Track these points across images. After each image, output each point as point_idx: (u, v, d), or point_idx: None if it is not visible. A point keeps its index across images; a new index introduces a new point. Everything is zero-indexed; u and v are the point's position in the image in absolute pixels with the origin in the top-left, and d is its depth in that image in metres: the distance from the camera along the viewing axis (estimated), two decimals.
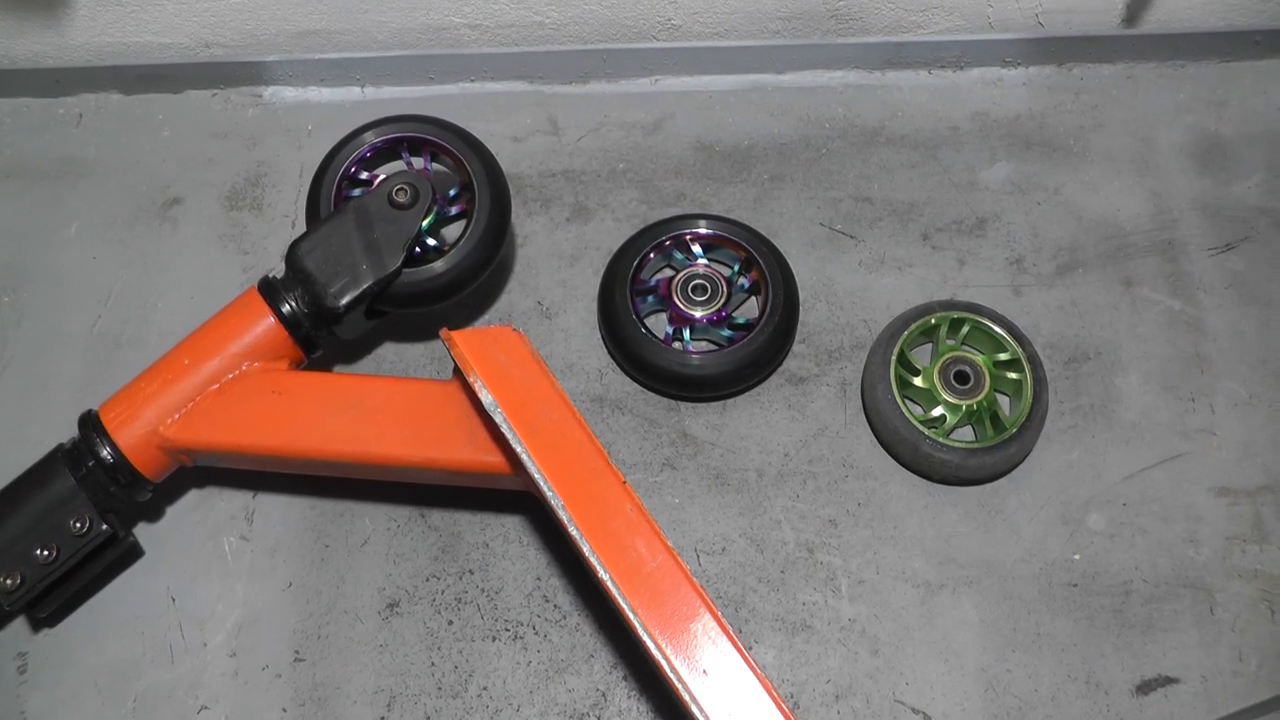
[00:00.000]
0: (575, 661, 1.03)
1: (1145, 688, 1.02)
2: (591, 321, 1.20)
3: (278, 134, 1.33)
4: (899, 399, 1.09)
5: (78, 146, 1.33)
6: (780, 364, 1.17)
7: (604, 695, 1.02)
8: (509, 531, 1.09)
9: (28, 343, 1.20)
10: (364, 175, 1.13)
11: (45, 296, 1.22)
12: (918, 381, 1.12)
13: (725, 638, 0.82)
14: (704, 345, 1.16)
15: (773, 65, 1.37)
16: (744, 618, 1.05)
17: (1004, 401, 1.14)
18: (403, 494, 1.10)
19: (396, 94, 1.37)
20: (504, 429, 0.87)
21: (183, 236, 1.26)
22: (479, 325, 1.20)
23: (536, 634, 1.04)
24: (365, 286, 1.02)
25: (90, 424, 0.99)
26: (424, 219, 1.05)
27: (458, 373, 0.94)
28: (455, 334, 0.92)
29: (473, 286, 1.09)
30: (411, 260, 1.05)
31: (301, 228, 1.16)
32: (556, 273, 1.23)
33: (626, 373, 1.17)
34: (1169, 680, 1.02)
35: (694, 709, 0.79)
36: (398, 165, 1.14)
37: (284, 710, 1.01)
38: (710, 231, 1.18)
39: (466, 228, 1.07)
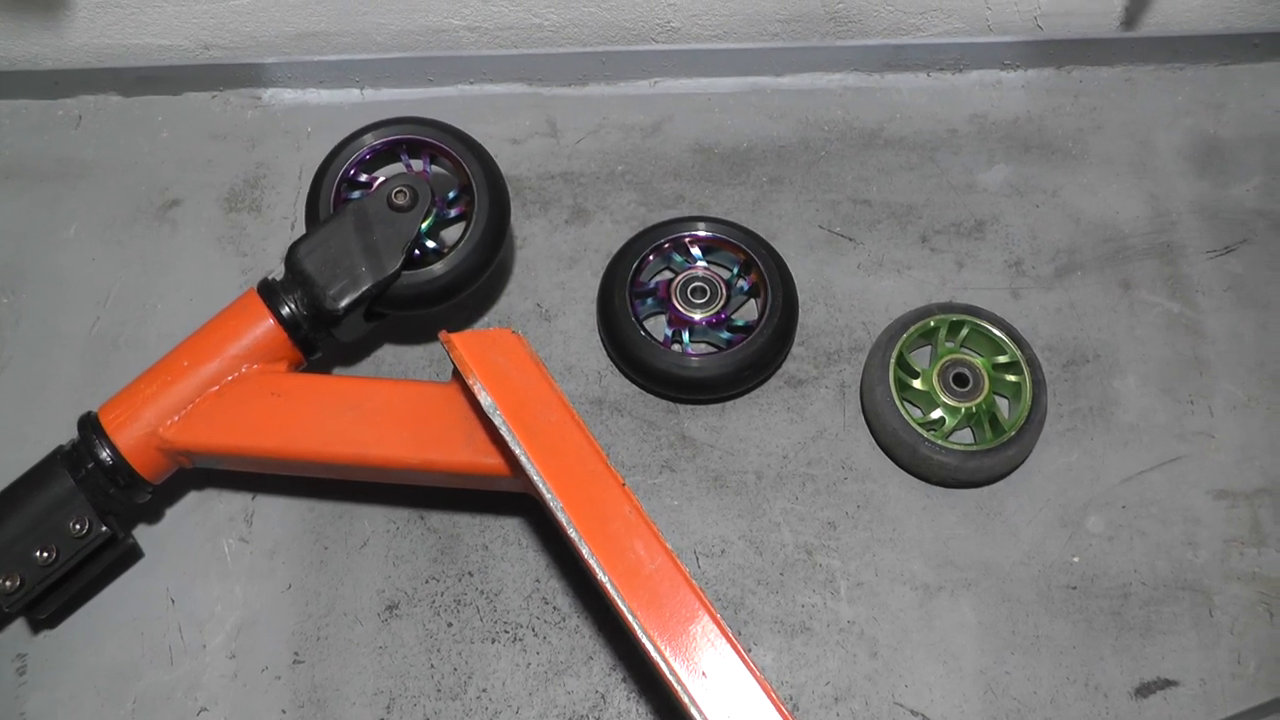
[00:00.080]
0: (574, 663, 1.03)
1: (1144, 690, 1.02)
2: (590, 324, 1.20)
3: (277, 136, 1.33)
4: (898, 401, 1.09)
5: (77, 148, 1.33)
6: (779, 366, 1.17)
7: (603, 697, 1.02)
8: (508, 533, 1.09)
9: (26, 344, 1.20)
10: (363, 177, 1.13)
11: (44, 297, 1.22)
12: (917, 384, 1.12)
13: (724, 640, 0.82)
14: (703, 347, 1.17)
15: (772, 68, 1.37)
16: (743, 620, 1.05)
17: (1003, 404, 1.14)
18: (402, 496, 1.10)
19: (395, 96, 1.37)
20: (503, 431, 0.87)
21: (182, 238, 1.26)
22: (478, 327, 1.20)
23: (536, 636, 1.04)
24: (364, 289, 1.02)
25: (89, 426, 0.99)
26: (423, 221, 1.05)
27: (457, 375, 0.94)
28: (454, 336, 0.92)
29: (472, 289, 1.09)
30: (410, 262, 1.05)
31: (301, 230, 1.17)
32: (555, 275, 1.23)
33: (625, 375, 1.17)
34: (1168, 683, 1.02)
35: (693, 711, 0.79)
36: (397, 167, 1.14)
37: (283, 712, 1.01)
38: (709, 234, 1.18)
39: (465, 230, 1.07)
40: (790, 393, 1.16)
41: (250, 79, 1.36)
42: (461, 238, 1.07)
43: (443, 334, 0.93)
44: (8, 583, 0.95)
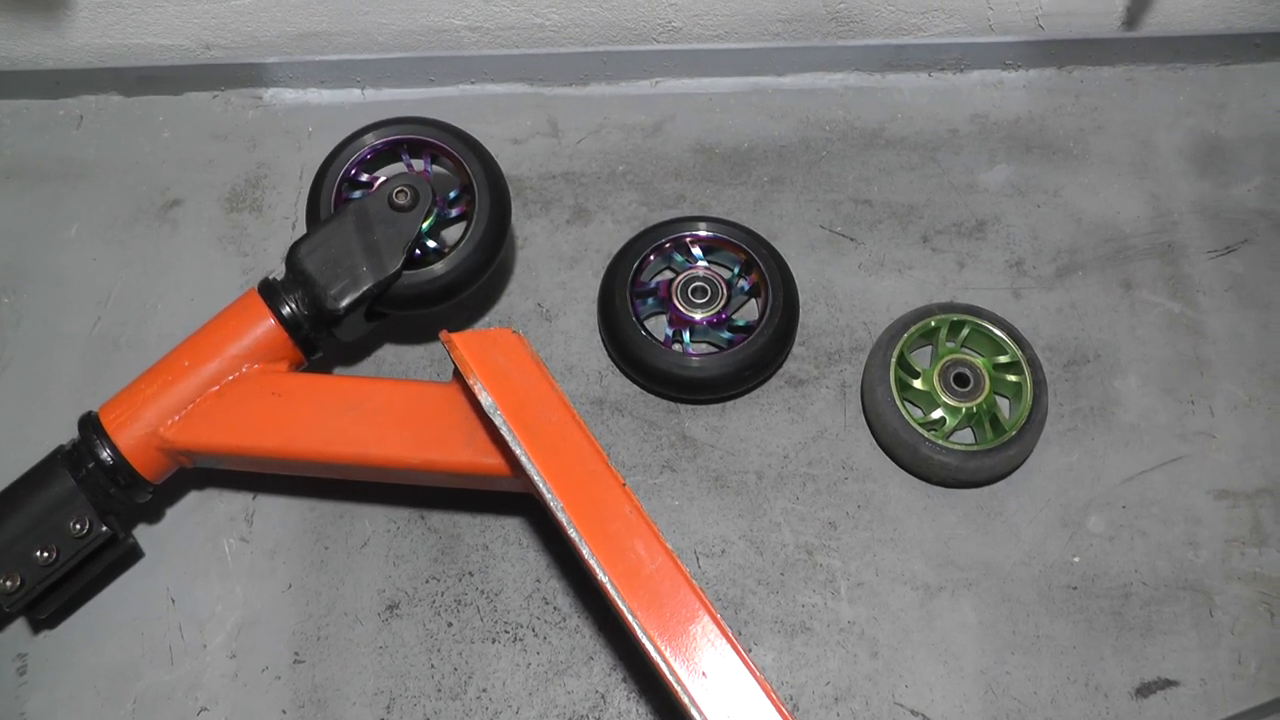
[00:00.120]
0: (575, 663, 1.03)
1: (1144, 690, 1.02)
2: (591, 324, 1.20)
3: (278, 136, 1.34)
4: (899, 401, 1.09)
5: (78, 148, 1.33)
6: (780, 366, 1.17)
7: (603, 697, 1.02)
8: (509, 533, 1.09)
9: (27, 343, 1.20)
10: (364, 177, 1.13)
11: (45, 297, 1.22)
12: (917, 384, 1.12)
13: (724, 640, 0.82)
14: (704, 347, 1.17)
15: (773, 67, 1.37)
16: (743, 620, 1.05)
17: (1003, 404, 1.14)
18: (402, 496, 1.10)
19: (397, 96, 1.37)
20: (503, 431, 0.87)
21: (183, 238, 1.26)
22: (479, 327, 1.20)
23: (536, 636, 1.04)
24: (365, 288, 1.02)
25: (90, 425, 0.99)
26: (424, 221, 1.06)
27: (457, 375, 0.94)
28: (455, 336, 0.92)
29: (473, 288, 1.09)
30: (411, 262, 1.05)
31: (302, 229, 1.17)
32: (556, 275, 1.23)
33: (626, 375, 1.17)
34: (1168, 683, 1.02)
35: (693, 711, 0.79)
36: (398, 167, 1.14)
37: (283, 712, 1.01)
38: (710, 234, 1.18)
39: (466, 230, 1.07)
40: (791, 393, 1.16)
41: (251, 79, 1.36)
42: (462, 237, 1.07)
43: (443, 334, 0.93)
44: (8, 582, 0.95)
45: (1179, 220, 1.27)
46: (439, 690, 1.02)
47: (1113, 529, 1.09)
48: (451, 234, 1.11)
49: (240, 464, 1.04)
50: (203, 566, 1.08)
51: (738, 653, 0.81)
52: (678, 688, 0.80)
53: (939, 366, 1.12)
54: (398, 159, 1.14)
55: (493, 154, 1.12)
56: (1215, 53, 1.38)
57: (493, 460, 0.95)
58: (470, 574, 1.07)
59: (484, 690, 1.02)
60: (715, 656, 0.81)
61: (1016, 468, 1.11)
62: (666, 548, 0.84)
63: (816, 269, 1.23)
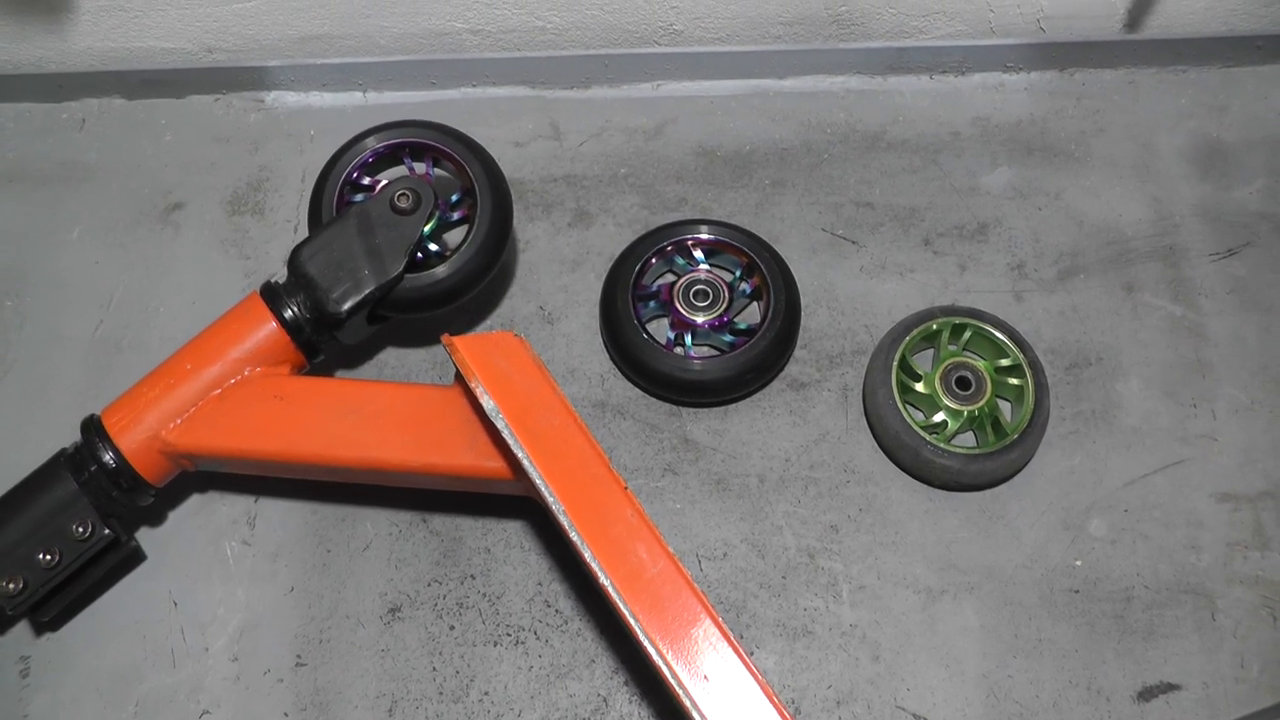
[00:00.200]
0: (577, 667, 1.03)
1: (1147, 694, 1.02)
2: (593, 326, 1.20)
3: (280, 139, 1.34)
4: (900, 404, 1.09)
5: (80, 151, 1.33)
6: (782, 369, 1.17)
7: (605, 700, 1.02)
8: (510, 536, 1.09)
9: (30, 347, 1.20)
10: (366, 180, 1.13)
11: (47, 300, 1.23)
12: (919, 387, 1.12)
13: (726, 643, 0.82)
14: (705, 350, 1.17)
15: (774, 70, 1.37)
16: (745, 623, 1.05)
17: (1005, 407, 1.14)
18: (404, 499, 1.10)
19: (398, 99, 1.37)
20: (505, 434, 0.87)
21: (185, 241, 1.26)
22: (481, 330, 1.20)
23: (538, 639, 1.04)
24: (367, 292, 1.02)
25: (92, 428, 0.99)
26: (426, 224, 1.06)
27: (459, 378, 0.94)
28: (457, 339, 0.92)
29: (474, 292, 1.09)
30: (413, 265, 1.05)
31: (303, 233, 1.17)
32: (558, 278, 1.23)
33: (628, 378, 1.17)
34: (1171, 687, 1.02)
35: (695, 715, 0.79)
36: (400, 170, 1.14)
37: (285, 715, 1.01)
38: (712, 237, 1.18)
39: (468, 233, 1.08)
40: (792, 396, 1.16)
41: (253, 82, 1.36)
42: (464, 241, 1.07)
43: (445, 337, 0.93)
44: (11, 585, 0.95)
45: (1181, 223, 1.27)
46: (441, 693, 1.02)
47: (1114, 532, 1.09)
48: (453, 237, 1.11)
49: (242, 467, 1.04)
50: (205, 569, 1.08)
51: (739, 656, 0.81)
52: (680, 691, 0.80)
53: (941, 369, 1.12)
54: (399, 162, 1.14)
55: (494, 157, 1.12)
56: (1217, 55, 1.38)
57: (495, 463, 0.95)
58: (472, 577, 1.07)
59: (486, 693, 1.02)
60: (717, 660, 0.81)
61: (1018, 471, 1.11)
62: (668, 551, 0.84)
63: (818, 272, 1.23)
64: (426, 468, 0.96)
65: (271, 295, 1.03)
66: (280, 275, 1.06)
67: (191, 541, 1.09)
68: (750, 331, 1.14)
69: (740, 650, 0.81)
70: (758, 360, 1.11)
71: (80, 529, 0.97)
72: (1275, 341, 1.19)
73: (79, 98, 1.37)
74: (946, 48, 1.35)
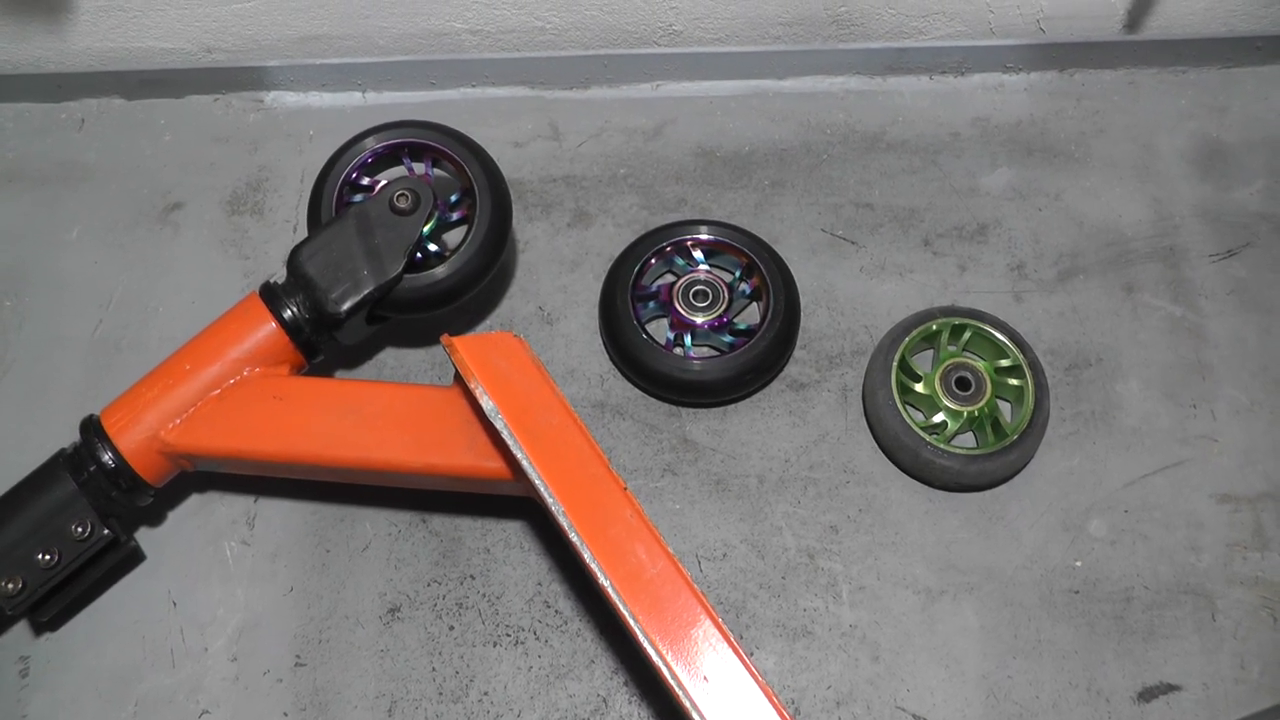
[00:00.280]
0: (576, 667, 1.03)
1: (1147, 695, 1.02)
2: (592, 327, 1.20)
3: (279, 139, 1.34)
4: (900, 405, 1.09)
5: (79, 151, 1.33)
6: (781, 370, 1.17)
7: (605, 701, 1.02)
8: (510, 537, 1.09)
9: (29, 347, 1.20)
10: (365, 181, 1.13)
11: (46, 301, 1.22)
12: (919, 388, 1.12)
13: (726, 644, 0.82)
14: (705, 351, 1.17)
15: (774, 71, 1.37)
16: (745, 624, 1.05)
17: (1005, 408, 1.14)
18: (404, 499, 1.10)
19: (398, 99, 1.37)
20: (505, 435, 0.87)
21: (184, 241, 1.26)
22: (480, 331, 1.20)
23: (537, 639, 1.04)
24: (366, 292, 1.02)
25: (92, 429, 0.99)
26: (425, 225, 1.06)
27: (459, 378, 0.94)
28: (456, 340, 0.92)
29: (474, 292, 1.09)
30: (412, 266, 1.05)
31: (303, 233, 1.17)
32: (557, 278, 1.23)
33: (627, 378, 1.17)
34: (1171, 688, 1.02)
35: (695, 715, 0.79)
36: (399, 171, 1.14)
37: (285, 715, 1.01)
38: (711, 237, 1.18)
39: (468, 233, 1.08)
40: (792, 396, 1.16)
41: (252, 82, 1.36)
42: (463, 241, 1.07)
43: (444, 337, 0.93)
44: (10, 585, 0.95)
45: (1181, 224, 1.27)
46: (440, 693, 1.02)
47: (1114, 533, 1.09)
48: (453, 237, 1.11)
49: (241, 467, 1.04)
50: (204, 569, 1.08)
51: (739, 656, 0.81)
52: (679, 692, 0.80)
53: (940, 370, 1.12)
54: (399, 162, 1.14)
55: (494, 157, 1.12)
56: (1217, 56, 1.38)
57: (494, 464, 0.95)
58: (471, 577, 1.07)
59: (485, 693, 1.02)
60: (717, 660, 0.81)
61: (1018, 472, 1.11)
62: (668, 551, 0.84)
63: (818, 272, 1.23)
64: (426, 468, 0.96)
65: (270, 295, 1.02)
66: (279, 275, 1.06)
67: (191, 541, 1.09)
68: (750, 332, 1.14)
69: (740, 651, 0.81)
70: (757, 361, 1.11)
71: (79, 529, 0.97)
72: (1275, 342, 1.19)
73: (78, 98, 1.37)
74: (946, 48, 1.35)
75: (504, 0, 1.29)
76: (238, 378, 1.00)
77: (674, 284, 1.17)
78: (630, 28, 1.32)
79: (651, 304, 1.17)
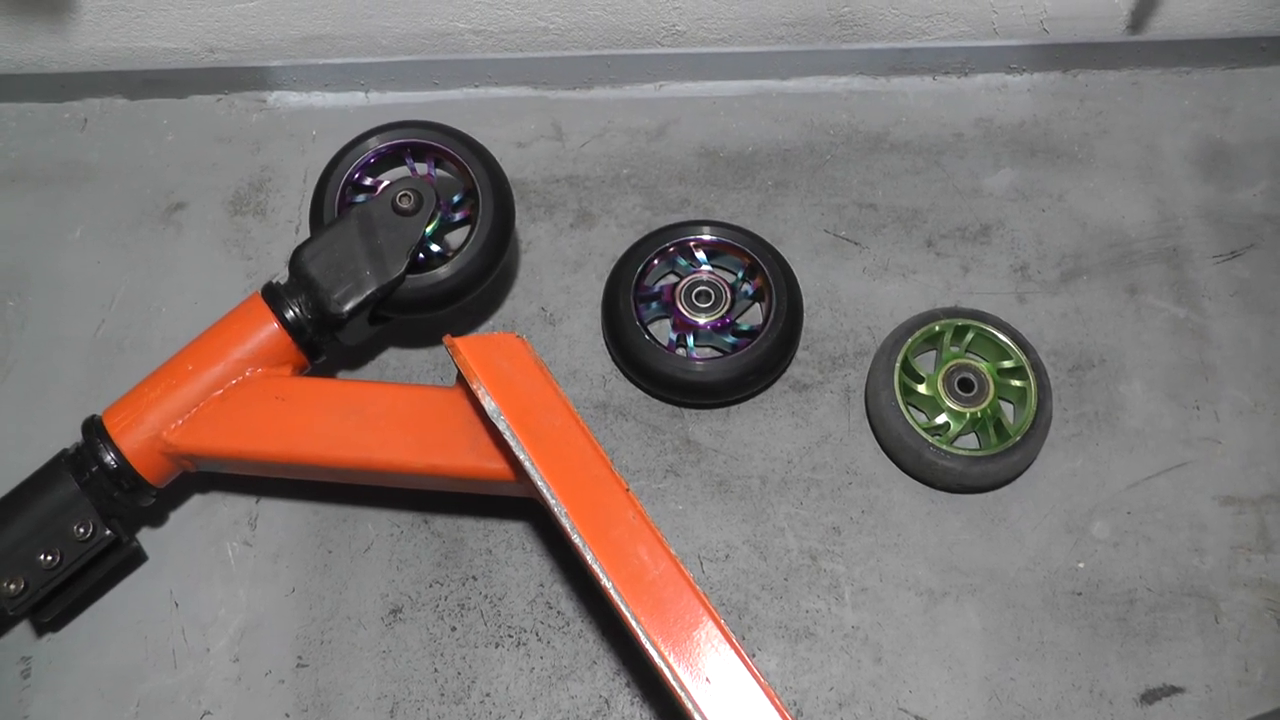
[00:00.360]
0: (578, 668, 1.03)
1: (1150, 697, 1.01)
2: (595, 328, 1.20)
3: (282, 139, 1.34)
4: (903, 406, 1.08)
5: (82, 151, 1.33)
6: (784, 371, 1.17)
7: (607, 702, 1.02)
8: (512, 538, 1.09)
9: (31, 347, 1.20)
10: (368, 181, 1.13)
11: (49, 301, 1.23)
12: (921, 389, 1.12)
13: (728, 645, 0.81)
14: (708, 352, 1.16)
15: (777, 71, 1.37)
16: (747, 625, 1.05)
17: (1008, 409, 1.13)
18: (406, 500, 1.10)
19: (401, 99, 1.37)
20: (507, 436, 0.87)
21: (186, 241, 1.26)
22: (482, 331, 1.20)
23: (539, 640, 1.04)
24: (369, 293, 1.02)
25: (94, 429, 0.99)
26: (427, 225, 1.06)
27: (461, 379, 0.94)
28: (459, 340, 0.92)
29: (476, 292, 1.09)
30: (415, 266, 1.05)
31: (305, 233, 1.17)
32: (560, 279, 1.23)
33: (630, 379, 1.16)
34: (1174, 690, 1.02)
35: (697, 717, 0.79)
36: (402, 171, 1.14)
37: (286, 716, 1.01)
38: (714, 238, 1.18)
39: (470, 234, 1.07)
40: (795, 397, 1.16)
41: (255, 82, 1.36)
42: (466, 241, 1.07)
43: (447, 338, 0.93)
44: (12, 586, 0.95)
45: (1184, 225, 1.27)
46: (442, 694, 1.02)
47: (1117, 535, 1.09)
48: (455, 238, 1.11)
49: (244, 468, 1.03)
50: (206, 570, 1.08)
51: (741, 658, 0.81)
52: (681, 693, 0.80)
53: (943, 371, 1.12)
54: (401, 163, 1.14)
55: (496, 158, 1.12)
56: (1220, 57, 1.37)
57: (496, 465, 0.94)
58: (473, 578, 1.07)
59: (487, 695, 1.02)
60: (719, 662, 0.81)
61: (1020, 473, 1.11)
62: (670, 553, 0.84)
63: (821, 273, 1.23)
64: (428, 469, 0.96)
65: (273, 296, 1.02)
66: (282, 276, 1.06)
67: (193, 542, 1.09)
68: (752, 333, 1.14)
69: (742, 652, 0.81)
70: (760, 361, 1.11)
71: (81, 529, 0.97)
72: (1279, 343, 1.19)
73: (81, 98, 1.37)
74: (950, 49, 1.35)
75: (507, 0, 1.29)
76: (240, 378, 1.00)
77: (677, 285, 1.17)
78: (633, 28, 1.32)
79: (654, 305, 1.17)
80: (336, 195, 1.10)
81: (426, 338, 1.19)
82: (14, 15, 1.27)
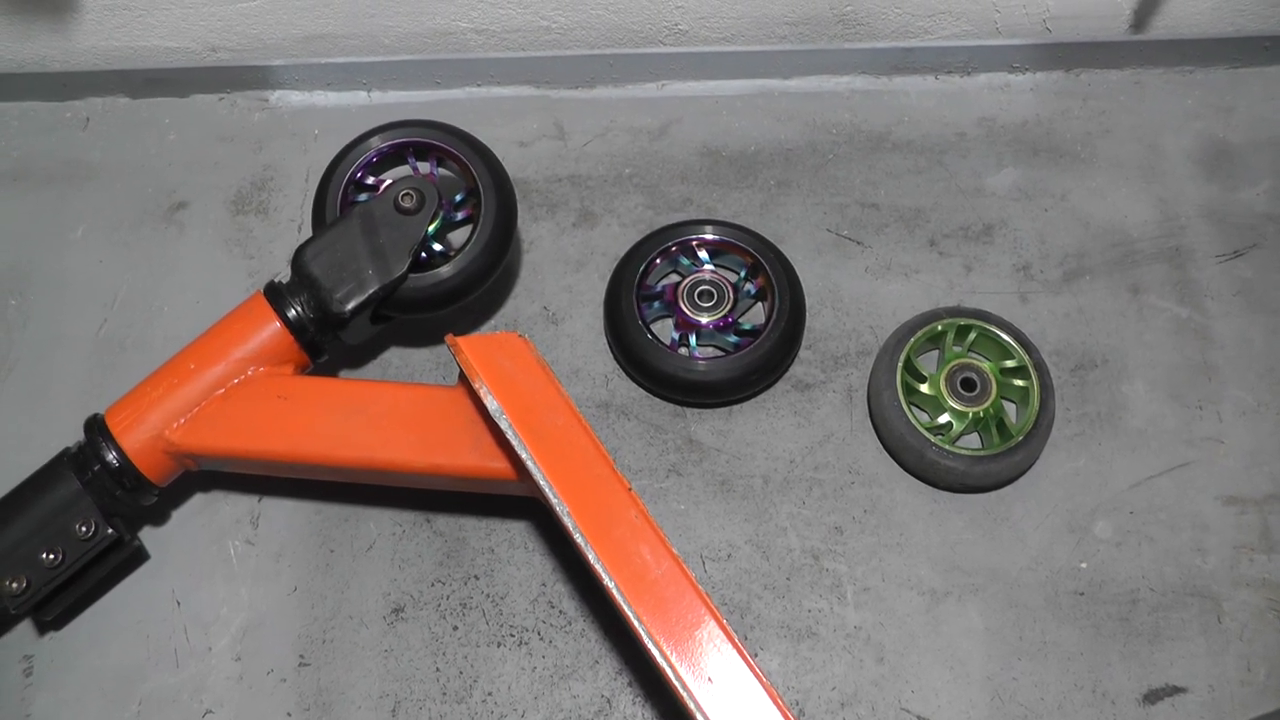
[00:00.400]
0: (580, 668, 1.03)
1: (1152, 697, 1.01)
2: (597, 327, 1.20)
3: (284, 138, 1.34)
4: (905, 406, 1.08)
5: (84, 150, 1.33)
6: (786, 370, 1.16)
7: (609, 702, 1.01)
8: (514, 537, 1.09)
9: (33, 346, 1.20)
10: (370, 180, 1.13)
11: (51, 299, 1.23)
12: (924, 388, 1.12)
13: (730, 645, 0.81)
14: (710, 351, 1.16)
15: (779, 70, 1.36)
16: (749, 624, 1.05)
17: (1010, 409, 1.13)
18: (408, 499, 1.10)
19: (403, 99, 1.37)
20: (509, 435, 0.87)
21: (188, 240, 1.26)
22: (485, 330, 1.20)
23: (541, 640, 1.04)
24: (371, 292, 1.02)
25: (96, 428, 0.99)
26: (430, 224, 1.05)
27: (463, 378, 0.94)
28: (461, 339, 0.92)
29: (478, 292, 1.09)
30: (417, 265, 1.05)
31: (307, 232, 1.17)
32: (562, 278, 1.23)
33: (632, 378, 1.16)
34: (1176, 690, 1.02)
35: (699, 716, 0.79)
36: (404, 170, 1.14)
37: (288, 715, 1.01)
38: (716, 237, 1.18)
39: (472, 233, 1.07)
40: (797, 397, 1.16)
41: (257, 81, 1.36)
42: (468, 241, 1.07)
43: (449, 337, 0.93)
44: (14, 585, 0.95)
45: (1187, 224, 1.27)
46: (444, 694, 1.02)
47: (1120, 535, 1.09)
48: (457, 237, 1.11)
49: (246, 467, 1.04)
50: (208, 569, 1.08)
51: (743, 658, 0.81)
52: (683, 693, 0.80)
53: (945, 371, 1.12)
54: (404, 162, 1.14)
55: (499, 157, 1.12)
56: (1223, 56, 1.37)
57: (498, 464, 0.94)
58: (476, 577, 1.07)
59: (489, 694, 1.02)
60: (721, 661, 0.81)
61: (1023, 473, 1.11)
62: (672, 552, 0.84)
63: (823, 273, 1.23)
64: (430, 468, 0.96)
65: (275, 295, 1.02)
66: (284, 275, 1.06)
67: (195, 541, 1.09)
68: (755, 332, 1.14)
69: (744, 652, 0.81)
70: (762, 361, 1.11)
71: (83, 528, 0.97)
72: None
73: (83, 97, 1.37)
74: (952, 48, 1.35)
75: (509, 0, 1.29)
76: (242, 377, 1.00)
77: (679, 284, 1.17)
78: (636, 27, 1.32)
79: (656, 304, 1.17)
80: (339, 194, 1.10)
81: (429, 337, 1.19)
82: (16, 14, 1.27)
